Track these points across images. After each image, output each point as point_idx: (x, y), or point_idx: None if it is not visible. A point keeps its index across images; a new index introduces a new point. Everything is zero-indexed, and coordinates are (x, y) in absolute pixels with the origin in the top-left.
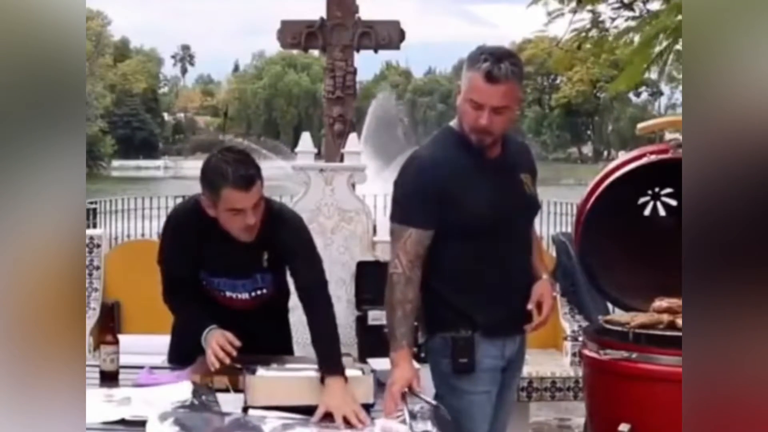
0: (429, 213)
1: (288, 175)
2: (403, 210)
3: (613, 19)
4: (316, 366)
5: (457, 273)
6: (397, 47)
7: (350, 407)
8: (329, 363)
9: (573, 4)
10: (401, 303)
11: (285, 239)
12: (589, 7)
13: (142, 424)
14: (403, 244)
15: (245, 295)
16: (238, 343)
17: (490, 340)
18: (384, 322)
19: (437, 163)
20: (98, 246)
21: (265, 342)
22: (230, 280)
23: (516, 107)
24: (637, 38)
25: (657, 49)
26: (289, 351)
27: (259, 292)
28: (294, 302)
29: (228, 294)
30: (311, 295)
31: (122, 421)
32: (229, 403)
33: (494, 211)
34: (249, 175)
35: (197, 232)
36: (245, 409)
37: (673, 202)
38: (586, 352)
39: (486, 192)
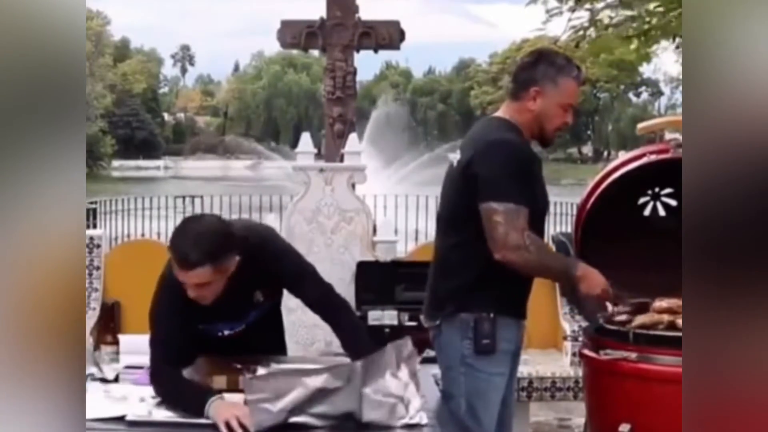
0: (532, 196)
1: (288, 175)
2: (516, 190)
3: (611, 18)
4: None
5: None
6: (397, 47)
7: None
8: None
9: (571, 3)
10: (548, 251)
11: (275, 273)
12: (587, 6)
13: (143, 424)
14: (522, 222)
15: (242, 327)
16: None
17: (507, 323)
18: (384, 322)
19: (527, 149)
20: (98, 246)
21: (260, 342)
22: (228, 324)
23: None
24: (635, 40)
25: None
26: (282, 349)
27: (254, 321)
28: (295, 302)
29: (227, 333)
30: (326, 305)
31: (122, 421)
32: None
33: (546, 203)
34: (192, 261)
35: (185, 294)
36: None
37: (673, 202)
38: (586, 352)
39: (542, 180)
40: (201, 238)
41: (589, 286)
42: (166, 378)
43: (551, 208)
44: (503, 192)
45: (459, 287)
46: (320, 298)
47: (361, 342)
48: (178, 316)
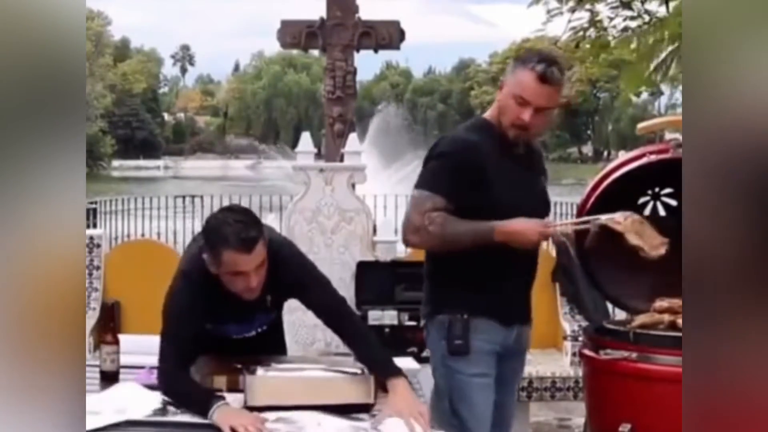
0: (457, 189)
1: (288, 175)
2: (435, 179)
3: (611, 18)
4: (315, 366)
5: (470, 254)
6: (397, 47)
7: (417, 408)
8: (387, 366)
9: (571, 3)
10: (454, 224)
11: (289, 280)
12: (587, 6)
13: (143, 424)
14: (431, 208)
15: (251, 333)
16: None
17: (488, 325)
18: (384, 322)
19: (472, 145)
20: (98, 246)
21: (264, 349)
22: (236, 326)
23: (554, 110)
24: (634, 39)
25: (662, 55)
26: (282, 350)
27: (261, 329)
28: (295, 303)
29: (234, 337)
30: (337, 315)
31: (123, 422)
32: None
33: (512, 202)
34: (250, 237)
35: (205, 291)
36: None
37: (673, 202)
38: (586, 352)
39: (508, 183)
40: (247, 215)
41: (522, 240)
42: (174, 377)
43: (551, 208)
44: (422, 180)
45: (437, 288)
46: (333, 305)
47: (374, 352)
48: (197, 312)
